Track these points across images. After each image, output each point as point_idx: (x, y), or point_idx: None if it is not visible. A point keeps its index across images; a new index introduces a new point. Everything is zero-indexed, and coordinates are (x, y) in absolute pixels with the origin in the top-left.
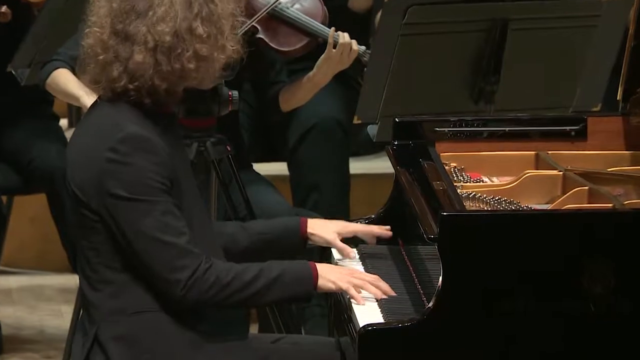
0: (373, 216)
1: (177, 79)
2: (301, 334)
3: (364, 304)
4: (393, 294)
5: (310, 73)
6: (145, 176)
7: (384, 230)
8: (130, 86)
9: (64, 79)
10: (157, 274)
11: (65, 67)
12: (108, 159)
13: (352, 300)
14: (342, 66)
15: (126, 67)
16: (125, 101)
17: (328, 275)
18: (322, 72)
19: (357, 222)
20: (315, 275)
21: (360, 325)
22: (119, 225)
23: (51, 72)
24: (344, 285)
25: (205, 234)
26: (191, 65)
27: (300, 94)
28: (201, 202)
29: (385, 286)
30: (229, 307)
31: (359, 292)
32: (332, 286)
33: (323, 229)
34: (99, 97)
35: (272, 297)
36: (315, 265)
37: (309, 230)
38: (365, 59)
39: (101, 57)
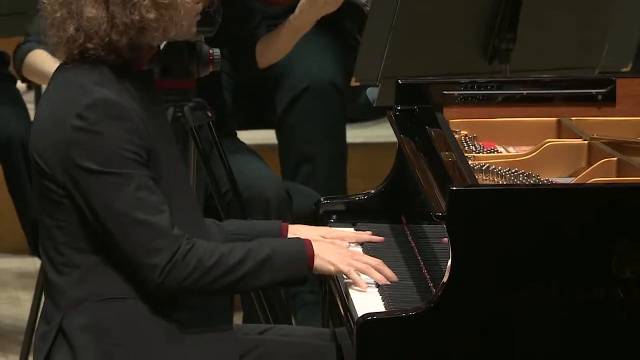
0: (372, 191)
1: (138, 32)
2: (291, 324)
3: (366, 290)
4: (397, 280)
5: (291, 16)
6: (117, 146)
7: (374, 239)
8: (89, 45)
9: (41, 59)
10: (132, 257)
11: (40, 48)
12: (75, 127)
13: (351, 285)
14: (327, 9)
15: (80, 24)
16: (89, 61)
17: (326, 256)
18: (304, 15)
19: (354, 199)
20: (310, 256)
21: (359, 315)
22: (88, 201)
23: (27, 53)
24: (344, 267)
25: (187, 210)
26: (151, 15)
27: (278, 44)
28: (183, 173)
29: (389, 272)
30: (213, 295)
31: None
32: (330, 268)
33: (306, 234)
34: (63, 61)
35: (262, 281)
36: (310, 243)
37: (290, 236)
38: (368, 8)
39: (58, 15)
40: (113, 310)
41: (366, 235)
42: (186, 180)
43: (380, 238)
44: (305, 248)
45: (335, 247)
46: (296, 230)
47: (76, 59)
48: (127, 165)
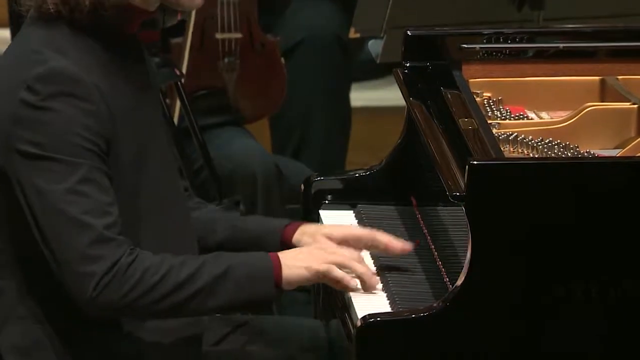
0: (376, 166)
1: None
2: None
3: (356, 288)
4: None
5: None
6: (68, 129)
7: (401, 245)
8: None
9: None
10: (63, 262)
11: None
12: (22, 101)
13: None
14: None
15: None
16: (50, 19)
17: (296, 262)
18: None
19: (354, 175)
20: (277, 266)
21: (360, 317)
22: (23, 189)
23: None
24: (321, 266)
25: (174, 214)
26: None
27: None
28: (172, 173)
29: (371, 276)
30: (158, 317)
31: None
32: (304, 273)
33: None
34: (29, 15)
35: (218, 301)
36: (277, 255)
37: (297, 237)
38: None
39: None
40: (50, 329)
41: (386, 239)
42: (176, 179)
43: (408, 246)
44: (270, 260)
45: (307, 249)
46: (307, 230)
47: (43, 15)
48: (76, 153)
